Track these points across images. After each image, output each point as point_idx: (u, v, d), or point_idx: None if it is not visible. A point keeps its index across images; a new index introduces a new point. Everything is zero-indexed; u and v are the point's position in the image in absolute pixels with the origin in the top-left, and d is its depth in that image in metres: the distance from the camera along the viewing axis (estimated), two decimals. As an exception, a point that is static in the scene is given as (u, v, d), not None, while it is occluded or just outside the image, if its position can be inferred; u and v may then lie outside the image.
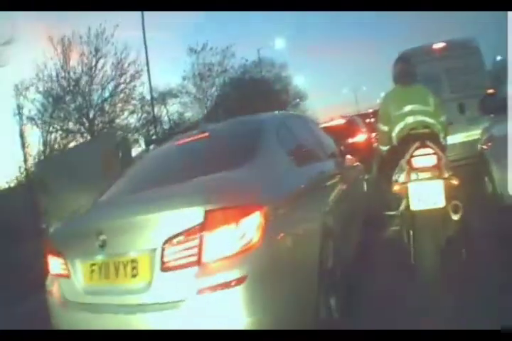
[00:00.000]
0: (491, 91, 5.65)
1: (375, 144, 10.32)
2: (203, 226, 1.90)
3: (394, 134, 3.48)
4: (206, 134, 3.05)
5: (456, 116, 6.20)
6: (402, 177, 3.11)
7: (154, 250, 1.97)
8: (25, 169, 13.48)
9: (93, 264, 2.20)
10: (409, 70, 3.68)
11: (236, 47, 24.01)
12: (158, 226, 1.99)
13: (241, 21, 43.44)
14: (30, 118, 15.45)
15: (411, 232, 3.05)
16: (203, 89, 22.89)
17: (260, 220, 1.96)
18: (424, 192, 2.93)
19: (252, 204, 2.00)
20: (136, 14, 16.60)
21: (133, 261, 2.04)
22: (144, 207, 2.14)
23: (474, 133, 6.04)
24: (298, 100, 30.23)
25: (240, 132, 2.95)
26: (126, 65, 16.88)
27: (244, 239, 1.91)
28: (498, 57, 12.31)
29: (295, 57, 57.28)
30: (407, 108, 3.43)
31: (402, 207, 3.17)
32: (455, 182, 2.99)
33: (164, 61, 23.90)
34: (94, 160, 7.13)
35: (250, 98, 20.32)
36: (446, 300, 2.65)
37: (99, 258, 2.18)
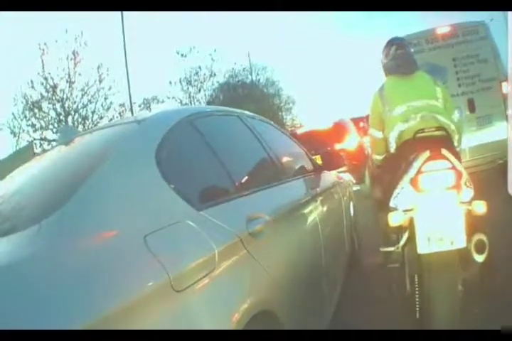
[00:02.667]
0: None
1: (368, 149, 9.32)
2: None
3: (392, 140, 2.57)
4: (60, 148, 1.86)
5: (465, 113, 5.19)
6: (403, 203, 2.23)
7: None
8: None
9: None
10: (407, 55, 2.84)
11: (225, 50, 23.37)
12: None
13: (231, 24, 42.67)
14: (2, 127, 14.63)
15: (416, 277, 2.24)
16: (189, 93, 22.14)
17: None
18: (438, 227, 2.05)
19: None
20: (116, 16, 15.80)
21: None
22: None
23: (487, 135, 5.20)
24: (291, 105, 29.33)
25: (87, 149, 1.63)
26: (106, 69, 16.03)
27: None
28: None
29: (287, 61, 55.49)
30: (409, 103, 2.55)
31: (404, 240, 2.28)
32: (481, 210, 2.09)
33: (149, 65, 22.80)
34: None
35: (240, 102, 19.42)
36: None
37: None
